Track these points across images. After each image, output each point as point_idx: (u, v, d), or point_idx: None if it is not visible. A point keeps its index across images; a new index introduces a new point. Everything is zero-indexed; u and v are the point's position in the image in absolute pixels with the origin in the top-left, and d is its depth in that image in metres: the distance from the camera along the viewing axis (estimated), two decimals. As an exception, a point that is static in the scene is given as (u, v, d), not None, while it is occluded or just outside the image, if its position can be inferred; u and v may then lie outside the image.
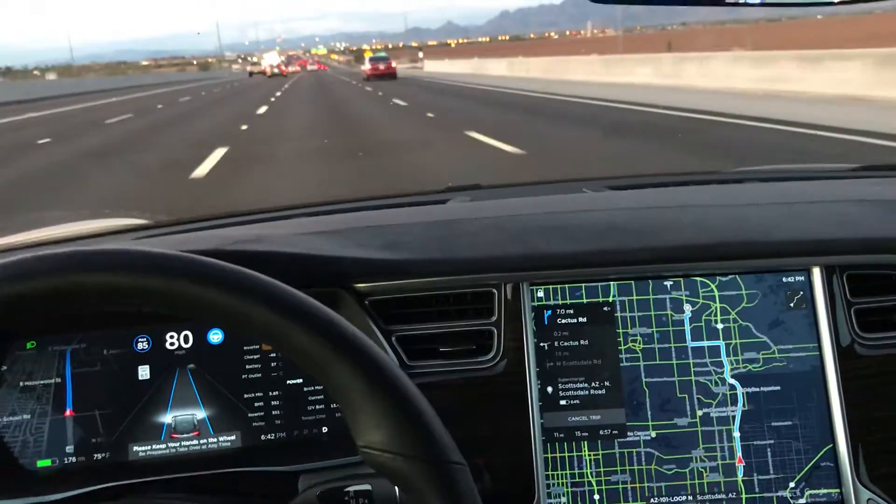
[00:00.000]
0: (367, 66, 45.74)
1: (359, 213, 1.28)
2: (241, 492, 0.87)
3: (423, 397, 0.58)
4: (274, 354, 0.94)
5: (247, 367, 0.93)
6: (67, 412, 0.90)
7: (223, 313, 0.56)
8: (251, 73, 71.86)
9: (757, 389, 0.91)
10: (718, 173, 1.65)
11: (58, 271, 0.52)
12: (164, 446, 0.91)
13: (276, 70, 67.06)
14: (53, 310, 0.53)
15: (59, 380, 0.91)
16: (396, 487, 0.79)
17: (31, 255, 0.53)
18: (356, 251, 0.95)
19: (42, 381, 0.91)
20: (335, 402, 0.57)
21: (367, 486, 0.81)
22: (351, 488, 0.81)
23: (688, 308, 0.93)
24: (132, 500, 0.81)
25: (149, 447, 0.91)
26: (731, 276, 0.93)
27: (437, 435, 0.56)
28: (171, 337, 0.93)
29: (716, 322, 0.93)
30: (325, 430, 0.93)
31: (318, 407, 0.93)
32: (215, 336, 0.93)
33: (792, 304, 0.93)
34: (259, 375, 0.93)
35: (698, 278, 0.94)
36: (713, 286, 0.94)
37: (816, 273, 0.93)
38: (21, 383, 0.90)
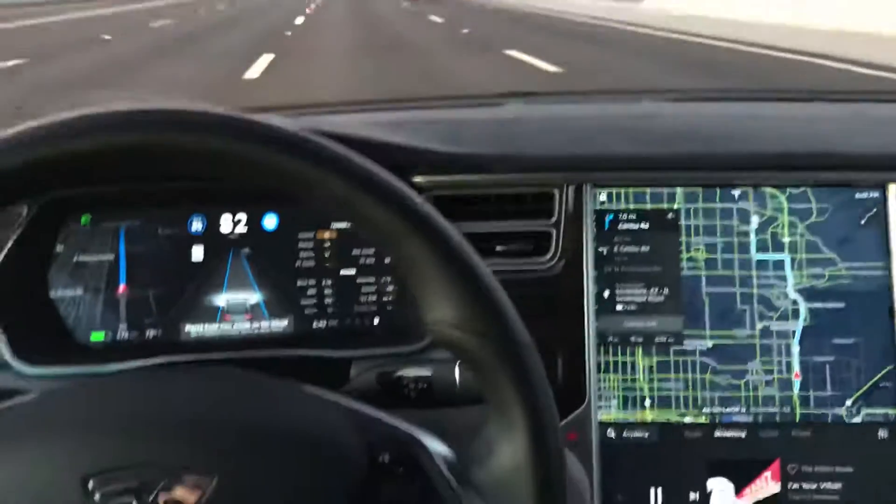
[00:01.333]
0: None
1: (417, 111, 1.26)
2: (293, 375, 0.87)
3: (494, 277, 0.56)
4: (328, 244, 0.93)
5: (301, 254, 0.92)
6: (121, 288, 0.91)
7: (298, 180, 0.54)
8: None
9: (820, 305, 0.89)
10: (786, 91, 1.59)
11: (157, 126, 0.50)
12: (216, 327, 0.91)
13: None
14: (136, 170, 0.51)
15: (112, 256, 0.91)
16: (457, 373, 0.78)
17: (132, 108, 0.51)
18: (420, 143, 0.92)
19: (96, 257, 0.91)
20: (405, 278, 0.55)
21: (426, 372, 0.81)
22: (410, 373, 0.81)
23: (755, 219, 0.90)
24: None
25: (201, 327, 0.91)
26: (801, 189, 0.90)
27: (509, 314, 0.55)
28: (226, 219, 0.92)
29: (783, 235, 0.90)
30: (376, 321, 0.93)
31: (370, 298, 0.93)
32: (270, 221, 0.92)
33: (863, 222, 0.90)
34: (312, 264, 0.92)
35: (768, 189, 0.90)
36: (783, 198, 0.90)
37: (893, 190, 0.89)
38: (75, 258, 0.90)
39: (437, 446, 0.57)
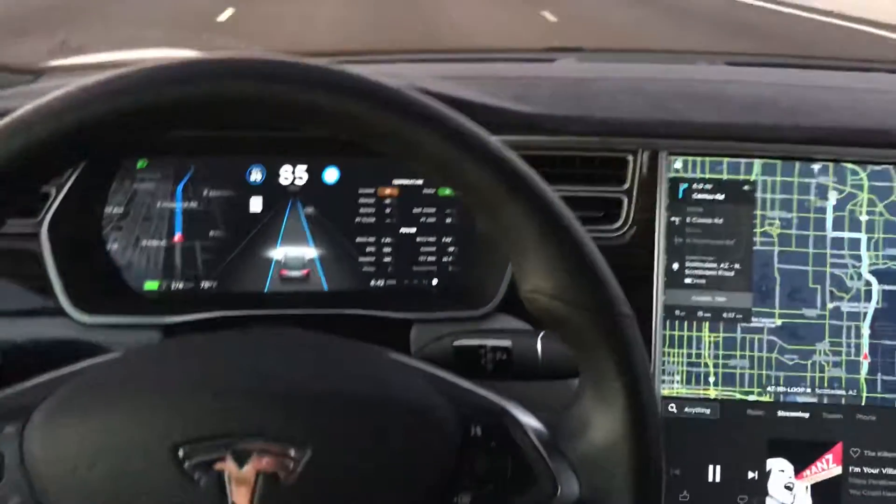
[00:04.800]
0: None
1: (471, 64, 1.21)
2: (350, 335, 0.85)
3: (595, 245, 0.54)
4: (389, 201, 0.90)
5: (360, 210, 0.90)
6: (176, 237, 0.88)
7: (396, 139, 0.51)
8: None
9: (894, 288, 0.86)
10: (837, 59, 1.54)
11: (263, 78, 0.47)
12: (272, 281, 0.89)
13: None
14: (237, 118, 0.49)
15: (169, 203, 0.88)
16: (539, 346, 0.76)
17: (242, 56, 0.48)
18: (491, 100, 0.89)
19: (151, 203, 0.88)
20: (502, 243, 0.53)
21: (506, 342, 0.79)
22: (489, 343, 0.79)
23: (833, 195, 0.87)
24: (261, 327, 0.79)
25: (257, 281, 0.89)
26: (884, 167, 0.87)
27: (611, 284, 0.53)
28: (286, 170, 0.89)
29: (861, 213, 0.87)
30: (434, 282, 0.90)
31: (429, 259, 0.90)
32: (331, 175, 0.89)
33: None
34: (373, 220, 0.90)
35: (849, 165, 0.87)
36: (863, 175, 0.87)
37: None
38: (130, 203, 0.88)
39: (530, 420, 0.55)
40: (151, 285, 0.88)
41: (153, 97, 0.46)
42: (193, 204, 0.88)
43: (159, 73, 0.47)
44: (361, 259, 0.89)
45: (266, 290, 0.89)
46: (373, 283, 0.90)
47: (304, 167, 0.89)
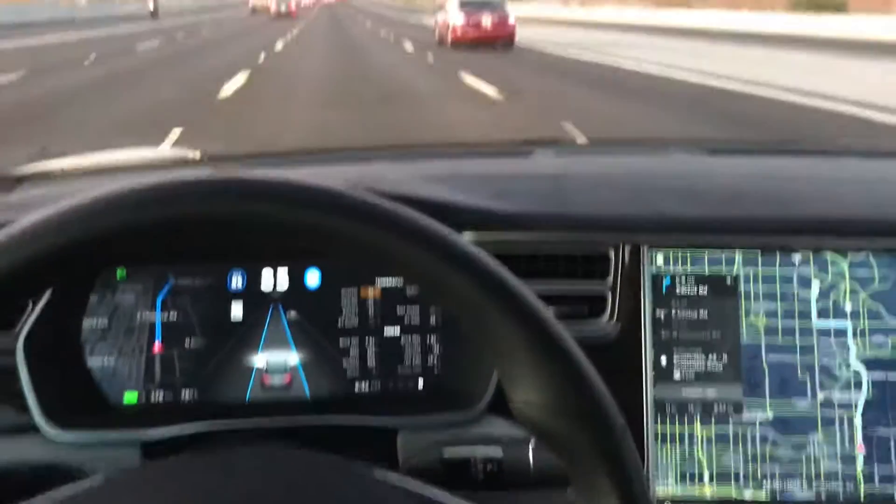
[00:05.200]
0: (455, 19, 19.38)
1: (450, 161, 1.22)
2: (336, 443, 0.83)
3: (584, 355, 0.53)
4: (372, 301, 0.89)
5: (343, 312, 0.88)
6: (156, 347, 0.86)
7: (379, 252, 0.50)
8: (254, 10, 51.18)
9: (884, 376, 0.85)
10: (811, 145, 1.57)
11: (246, 198, 0.47)
12: (254, 390, 0.87)
13: (282, 9, 44.97)
14: (209, 238, 0.48)
15: (148, 313, 0.87)
16: (531, 455, 0.74)
17: (222, 177, 0.47)
18: (469, 199, 0.89)
19: (130, 312, 0.87)
20: (490, 354, 0.52)
21: (497, 453, 0.76)
22: (479, 453, 0.76)
23: (816, 285, 0.87)
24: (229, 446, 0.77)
25: (238, 390, 0.87)
26: (863, 255, 0.87)
27: (604, 396, 0.51)
28: (267, 274, 0.88)
29: (844, 302, 0.87)
30: (420, 384, 0.89)
31: (414, 360, 0.89)
32: (313, 277, 0.89)
33: None
34: (356, 322, 0.88)
35: (829, 254, 0.87)
36: (844, 264, 0.87)
37: None
38: (109, 313, 0.86)
39: None
40: (130, 397, 0.86)
41: (146, 216, 0.46)
42: (173, 314, 0.87)
43: (143, 195, 0.47)
44: (345, 363, 0.88)
45: (248, 399, 0.87)
46: (357, 387, 0.88)
47: (286, 270, 0.88)
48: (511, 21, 19.23)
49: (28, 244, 0.46)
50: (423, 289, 0.52)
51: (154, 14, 42.58)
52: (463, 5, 18.91)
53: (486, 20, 18.81)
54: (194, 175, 0.47)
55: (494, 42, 18.73)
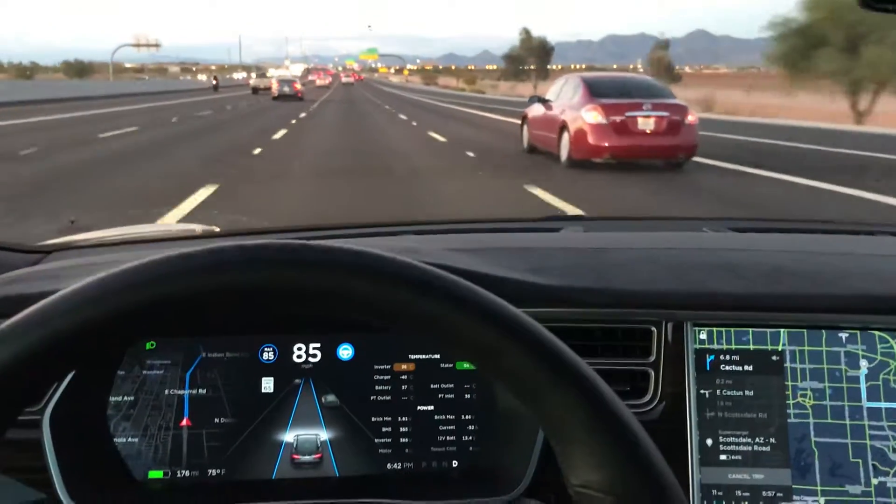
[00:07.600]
0: (582, 115, 9.99)
1: (478, 235, 1.21)
2: None
3: (645, 432, 0.50)
4: (405, 377, 0.86)
5: (376, 387, 0.86)
6: (184, 421, 0.84)
7: (432, 324, 0.49)
8: (255, 90, 47.93)
9: None
10: (835, 223, 1.56)
11: (312, 267, 0.45)
12: (282, 467, 0.84)
13: (286, 89, 39.62)
14: (273, 310, 0.47)
15: (177, 390, 0.84)
16: None
17: (285, 243, 0.46)
18: (508, 273, 0.87)
19: (159, 387, 0.84)
20: (548, 433, 0.49)
21: None
22: None
23: (864, 364, 0.84)
24: None
25: (266, 467, 0.84)
26: None
27: (666, 474, 0.49)
28: (299, 349, 0.86)
29: (895, 382, 0.84)
30: (455, 463, 0.85)
31: (448, 438, 0.86)
32: (345, 351, 0.86)
33: None
34: (389, 398, 0.86)
35: (877, 332, 0.85)
36: (893, 342, 0.85)
37: None
38: (136, 388, 0.84)
39: None
40: (156, 474, 0.83)
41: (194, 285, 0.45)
42: (203, 389, 0.84)
43: (187, 263, 0.45)
44: (377, 440, 0.85)
45: (275, 476, 0.83)
46: (389, 466, 0.84)
47: (318, 345, 0.86)
48: (690, 119, 10.44)
49: (68, 314, 0.44)
50: (481, 365, 0.50)
51: (216, 88, 53.84)
52: (597, 88, 10.83)
53: (647, 119, 10.28)
54: (280, 244, 0.47)
55: (659, 158, 10.59)
